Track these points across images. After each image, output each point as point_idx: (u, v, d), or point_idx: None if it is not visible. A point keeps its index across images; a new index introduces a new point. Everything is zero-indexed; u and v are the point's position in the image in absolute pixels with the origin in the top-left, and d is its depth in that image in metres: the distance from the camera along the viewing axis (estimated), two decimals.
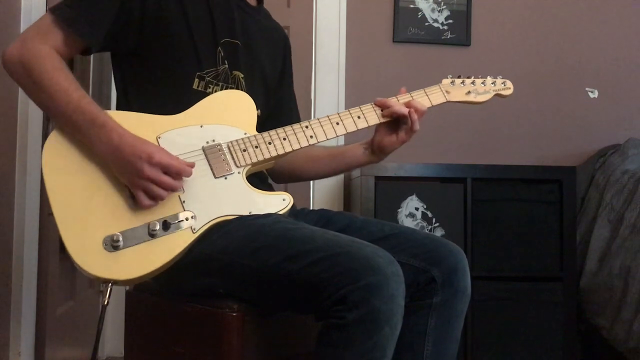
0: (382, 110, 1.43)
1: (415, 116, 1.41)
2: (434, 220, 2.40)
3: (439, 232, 2.39)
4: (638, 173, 2.43)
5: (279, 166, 1.57)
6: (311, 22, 2.81)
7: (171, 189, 1.23)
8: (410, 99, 1.44)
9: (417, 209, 2.40)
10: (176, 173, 1.22)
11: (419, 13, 2.83)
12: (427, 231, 2.37)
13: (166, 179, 1.21)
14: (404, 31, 2.82)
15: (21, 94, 2.03)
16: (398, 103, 1.43)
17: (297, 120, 1.61)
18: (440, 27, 2.84)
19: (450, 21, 2.84)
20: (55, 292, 2.21)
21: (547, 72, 2.91)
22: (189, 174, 1.25)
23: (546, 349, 2.36)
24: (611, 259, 2.34)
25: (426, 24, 2.83)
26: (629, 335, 2.20)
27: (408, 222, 2.38)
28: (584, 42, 2.93)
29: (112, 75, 1.47)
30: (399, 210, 2.40)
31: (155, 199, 1.22)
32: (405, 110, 1.41)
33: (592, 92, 2.93)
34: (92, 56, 2.46)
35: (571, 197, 2.42)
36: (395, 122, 1.44)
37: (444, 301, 1.31)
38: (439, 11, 2.83)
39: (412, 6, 2.82)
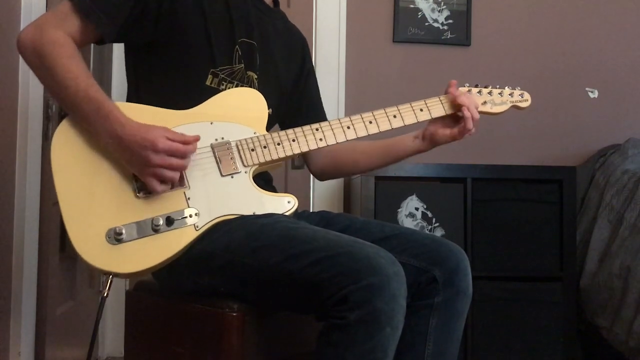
0: (395, 116, 1.42)
1: (469, 114, 1.41)
2: (434, 220, 2.40)
3: (439, 232, 2.39)
4: (638, 173, 2.43)
5: (322, 163, 1.60)
6: (311, 22, 2.81)
7: (181, 169, 1.24)
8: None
9: (417, 209, 2.40)
10: (182, 156, 1.23)
11: (419, 13, 2.83)
12: (427, 231, 2.37)
13: (174, 161, 1.22)
14: (404, 31, 2.82)
15: (21, 94, 2.02)
16: (468, 101, 1.43)
17: (324, 118, 1.61)
18: (440, 27, 2.84)
19: (450, 21, 2.84)
20: (55, 292, 2.21)
21: (547, 72, 2.91)
22: (193, 150, 1.25)
23: (546, 349, 2.36)
24: (611, 259, 2.34)
25: (426, 24, 2.83)
26: (629, 335, 2.20)
27: (408, 222, 2.38)
28: (584, 42, 2.93)
29: (121, 69, 1.47)
30: (399, 210, 2.40)
31: (167, 182, 1.23)
32: (466, 104, 1.42)
33: (592, 92, 2.93)
34: (92, 53, 2.45)
35: (571, 197, 2.42)
36: (453, 117, 1.45)
37: (445, 301, 1.31)
38: (439, 11, 2.83)
39: (412, 6, 2.82)
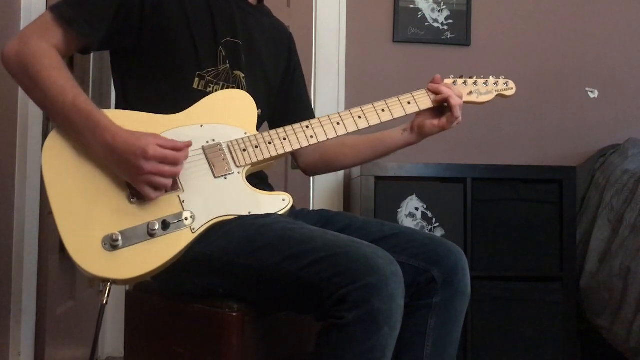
0: (384, 110, 1.43)
1: (456, 101, 1.44)
2: (434, 220, 2.40)
3: (439, 232, 2.39)
4: (638, 173, 2.43)
5: (312, 158, 1.60)
6: (311, 21, 2.81)
7: (173, 176, 1.23)
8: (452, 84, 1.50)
9: (417, 209, 2.40)
10: (173, 163, 1.22)
11: (419, 13, 2.82)
12: (427, 231, 2.37)
13: (166, 169, 1.21)
14: (404, 31, 2.82)
15: (21, 94, 2.03)
16: (449, 90, 1.45)
17: (311, 115, 1.62)
18: (440, 27, 2.84)
19: (450, 21, 2.84)
20: (55, 292, 2.21)
21: (547, 72, 2.90)
22: (185, 157, 1.24)
23: (546, 349, 2.36)
24: (611, 259, 2.34)
25: (426, 24, 2.83)
26: (629, 335, 2.20)
27: (408, 222, 2.38)
28: (584, 42, 2.93)
29: (112, 74, 1.47)
30: (399, 210, 2.40)
31: (161, 189, 1.22)
32: (450, 94, 1.45)
33: (592, 92, 2.93)
34: (91, 56, 2.46)
35: (571, 197, 2.42)
36: (439, 109, 1.47)
37: (444, 301, 1.31)
38: (439, 11, 2.83)
39: (412, 6, 2.82)
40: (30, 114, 2.07)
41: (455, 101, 1.44)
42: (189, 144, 1.25)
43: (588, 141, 2.88)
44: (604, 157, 2.68)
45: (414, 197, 2.40)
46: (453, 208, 2.40)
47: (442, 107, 1.47)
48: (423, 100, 1.47)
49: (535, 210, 2.41)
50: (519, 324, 2.37)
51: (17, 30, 1.99)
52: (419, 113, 1.49)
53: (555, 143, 2.89)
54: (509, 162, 2.76)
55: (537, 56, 2.90)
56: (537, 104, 2.87)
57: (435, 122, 1.47)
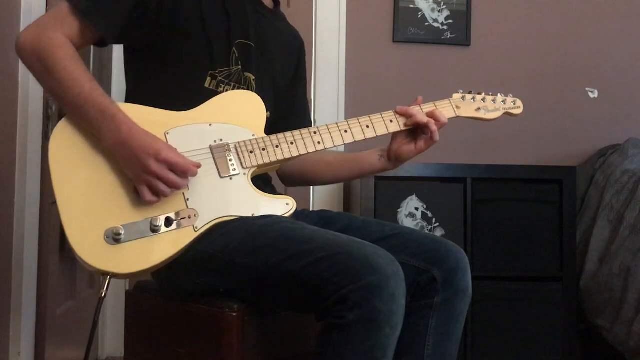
0: (392, 121, 1.42)
1: (435, 127, 1.40)
2: (434, 220, 2.40)
3: (439, 232, 2.39)
4: (638, 173, 2.43)
5: (290, 169, 1.58)
6: (311, 21, 2.81)
7: (175, 187, 1.23)
8: (434, 108, 1.43)
9: (417, 209, 2.40)
10: (182, 172, 1.22)
11: (419, 13, 2.83)
12: (427, 231, 2.37)
13: (171, 176, 1.21)
14: (404, 31, 2.82)
15: (21, 94, 2.02)
16: (420, 112, 1.41)
17: (309, 124, 1.61)
18: (440, 27, 2.84)
19: (450, 21, 2.84)
20: (55, 292, 2.21)
21: (547, 72, 2.91)
22: (194, 174, 1.24)
23: (546, 349, 2.36)
24: (611, 259, 2.34)
25: (426, 24, 2.83)
26: (629, 335, 2.20)
27: (408, 222, 2.38)
28: (584, 42, 2.93)
29: (121, 69, 1.46)
30: (399, 210, 2.40)
31: (159, 195, 1.22)
32: (425, 120, 1.39)
33: (592, 92, 2.93)
34: (92, 55, 2.45)
35: (571, 197, 2.42)
36: (413, 131, 1.43)
37: (444, 301, 1.31)
38: (439, 11, 2.83)
39: (412, 6, 2.82)
40: (30, 114, 2.07)
41: (432, 123, 1.40)
42: (198, 165, 1.25)
43: (588, 141, 2.88)
44: (604, 157, 2.69)
45: (414, 197, 2.40)
46: (453, 208, 2.40)
47: (415, 130, 1.43)
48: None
49: (535, 210, 2.42)
50: (519, 324, 2.37)
51: (17, 30, 1.98)
52: (393, 139, 1.46)
53: (555, 143, 2.89)
54: (509, 162, 2.76)
55: (537, 56, 2.90)
56: (537, 104, 2.87)
57: (412, 146, 1.43)
